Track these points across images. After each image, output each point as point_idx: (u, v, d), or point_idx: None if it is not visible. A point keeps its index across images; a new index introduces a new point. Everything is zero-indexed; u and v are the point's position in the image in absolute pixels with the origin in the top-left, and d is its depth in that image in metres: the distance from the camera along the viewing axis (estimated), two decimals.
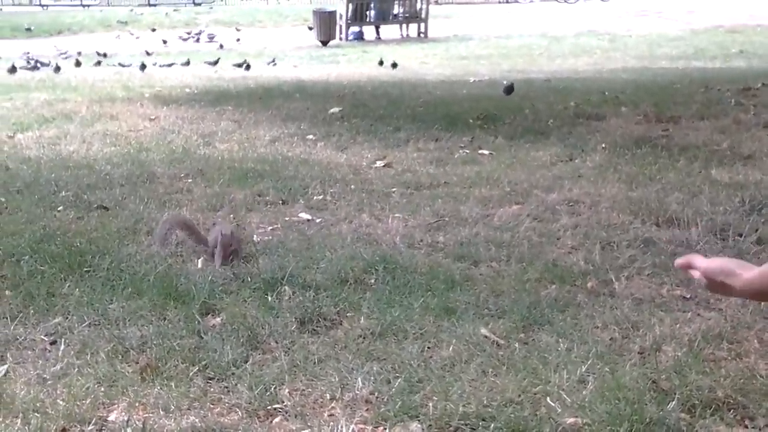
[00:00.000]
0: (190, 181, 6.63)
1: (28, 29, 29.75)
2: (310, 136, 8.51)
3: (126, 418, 3.05)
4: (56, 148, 8.07)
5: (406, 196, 6.14)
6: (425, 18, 28.12)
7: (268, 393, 3.23)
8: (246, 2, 41.07)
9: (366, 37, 27.52)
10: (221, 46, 24.25)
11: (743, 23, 27.30)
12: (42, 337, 3.79)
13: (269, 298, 4.14)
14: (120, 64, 18.28)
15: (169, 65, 18.28)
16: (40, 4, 39.76)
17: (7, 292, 4.26)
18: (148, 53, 21.22)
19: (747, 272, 2.01)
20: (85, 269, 4.54)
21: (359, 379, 3.30)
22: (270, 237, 5.23)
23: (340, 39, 26.53)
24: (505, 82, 12.31)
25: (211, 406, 3.18)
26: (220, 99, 11.41)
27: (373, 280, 4.39)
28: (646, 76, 14.13)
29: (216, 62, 18.26)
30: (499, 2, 40.88)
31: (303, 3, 38.28)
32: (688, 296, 4.19)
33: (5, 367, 3.49)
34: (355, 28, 27.34)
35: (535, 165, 7.08)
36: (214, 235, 4.74)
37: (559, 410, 3.06)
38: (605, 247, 4.89)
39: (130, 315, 3.97)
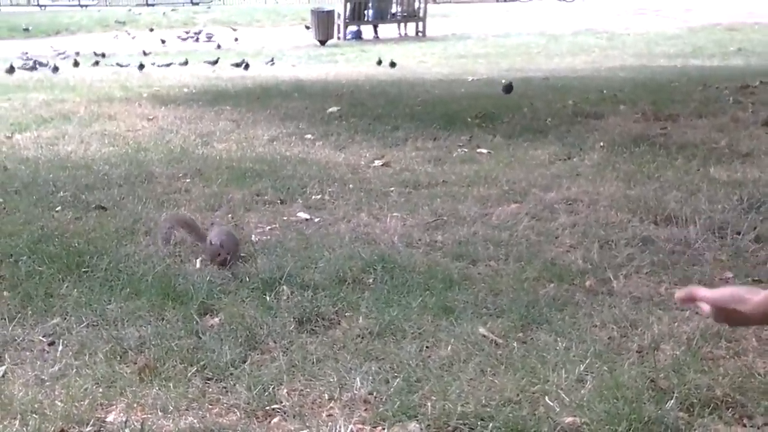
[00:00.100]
0: (188, 180, 6.63)
1: (26, 29, 29.74)
2: (309, 136, 8.50)
3: (124, 419, 3.05)
4: (54, 148, 8.06)
5: (405, 196, 6.14)
6: (423, 17, 28.12)
7: (267, 393, 3.23)
8: (244, 2, 41.01)
9: (364, 36, 27.52)
10: (219, 46, 24.25)
11: (741, 21, 27.31)
12: (40, 337, 3.78)
13: (267, 298, 4.14)
14: (118, 64, 18.28)
15: (168, 65, 18.27)
16: (38, 4, 39.72)
17: (5, 293, 4.25)
18: (146, 53, 21.19)
19: (756, 296, 1.98)
20: (84, 270, 4.53)
21: (358, 378, 3.30)
22: (268, 237, 5.22)
23: (339, 38, 26.53)
24: (503, 81, 12.31)
25: (210, 406, 3.18)
26: (218, 99, 11.41)
27: (371, 280, 4.39)
28: (645, 75, 14.13)
29: (216, 62, 18.27)
30: (497, 1, 40.87)
31: (301, 2, 38.23)
32: None
33: (3, 368, 3.49)
34: (353, 28, 27.35)
35: (534, 164, 7.08)
36: (208, 239, 4.73)
37: (558, 409, 3.06)
38: (603, 246, 4.89)
39: (128, 315, 3.97)
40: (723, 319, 2.06)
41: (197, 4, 40.39)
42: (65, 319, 3.95)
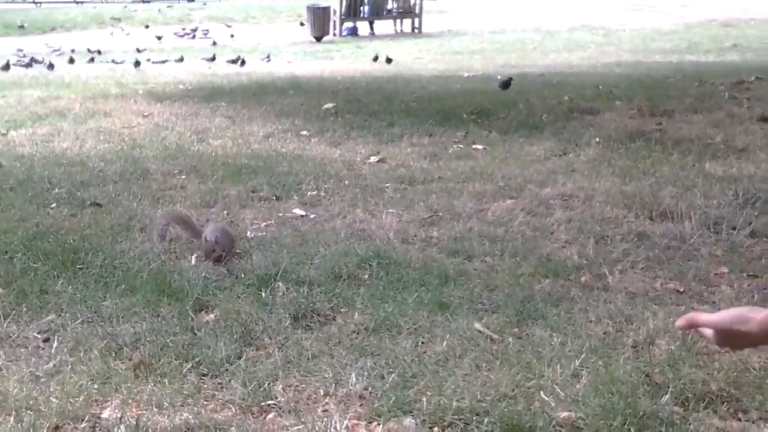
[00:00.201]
0: (183, 177, 6.62)
1: (21, 26, 29.70)
2: (304, 132, 8.50)
3: (119, 415, 3.04)
4: (49, 145, 8.05)
5: (400, 192, 6.13)
6: (419, 13, 28.13)
7: (262, 389, 3.23)
8: None
9: (360, 32, 27.53)
10: (215, 43, 24.24)
11: (737, 17, 27.34)
12: (35, 334, 3.78)
13: (263, 294, 4.13)
14: (113, 61, 18.25)
15: (163, 62, 18.26)
16: (33, 1, 39.70)
17: (0, 290, 4.25)
18: (141, 50, 21.18)
19: (759, 314, 1.95)
20: (79, 266, 4.53)
21: (353, 374, 3.30)
22: (264, 233, 5.22)
23: (334, 35, 26.53)
24: (499, 77, 12.31)
25: (205, 402, 3.17)
26: (213, 95, 11.40)
27: (366, 276, 4.39)
28: (640, 71, 14.14)
29: (213, 58, 18.26)
30: None
31: None
32: (682, 290, 4.19)
33: None
34: (348, 24, 27.35)
35: (529, 159, 7.08)
36: (203, 235, 4.72)
37: (553, 404, 3.06)
38: (599, 241, 4.89)
39: (123, 312, 3.96)
40: (727, 342, 2.03)
41: (193, 0, 40.34)
42: (60, 315, 3.94)
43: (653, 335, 3.63)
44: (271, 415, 3.08)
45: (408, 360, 3.43)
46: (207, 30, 27.67)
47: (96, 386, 3.26)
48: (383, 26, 28.21)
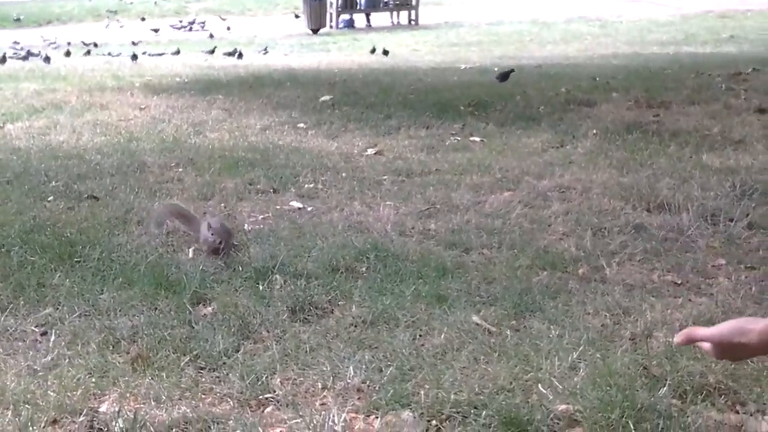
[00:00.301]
0: (180, 170, 6.61)
1: (17, 19, 29.62)
2: (301, 125, 8.49)
3: (117, 409, 3.04)
4: (46, 138, 8.03)
5: (398, 184, 6.13)
6: (416, 5, 28.06)
7: (260, 382, 3.23)
8: None
9: (357, 24, 27.47)
10: (212, 35, 24.16)
11: (733, 8, 27.31)
12: (32, 328, 3.77)
13: (260, 287, 4.13)
14: (110, 54, 18.21)
15: (160, 54, 18.21)
16: None
17: None
18: (136, 43, 21.12)
19: (758, 325, 1.94)
20: (76, 259, 4.52)
21: (351, 367, 3.30)
22: (261, 226, 5.21)
23: (331, 27, 26.48)
24: (496, 69, 12.30)
25: (203, 396, 3.17)
26: (210, 88, 11.37)
27: (364, 269, 4.39)
28: (637, 62, 14.13)
29: (213, 51, 18.22)
30: None
31: None
32: (679, 282, 4.20)
33: None
34: (345, 16, 27.29)
35: (526, 151, 7.07)
36: (201, 229, 4.70)
37: (551, 397, 3.06)
38: (596, 233, 4.90)
39: (120, 305, 3.96)
40: (725, 354, 2.02)
41: None
42: (57, 308, 3.94)
43: (651, 327, 3.64)
44: (269, 409, 3.08)
45: (406, 353, 3.43)
46: (204, 22, 27.60)
47: (94, 380, 3.26)
48: (380, 18, 28.17)
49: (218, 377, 3.31)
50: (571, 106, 9.24)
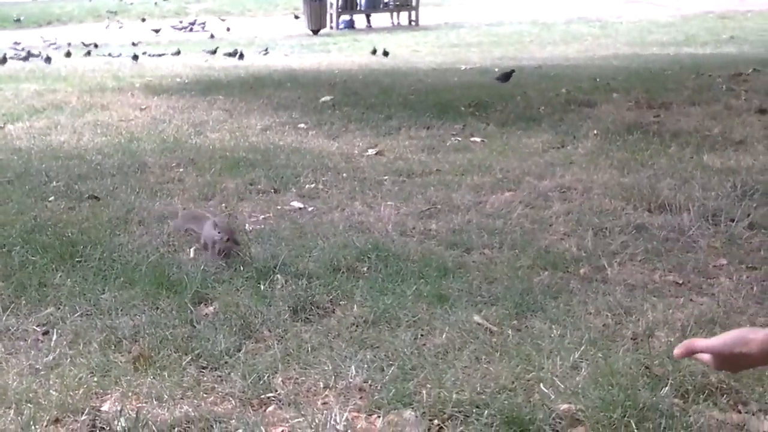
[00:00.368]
0: (181, 170, 6.61)
1: (17, 20, 29.62)
2: (302, 125, 8.49)
3: (119, 408, 3.04)
4: (47, 138, 8.04)
5: (398, 184, 6.13)
6: (416, 6, 28.05)
7: (262, 382, 3.23)
8: None
9: (357, 25, 27.47)
10: (212, 36, 24.16)
11: (734, 9, 27.31)
12: (34, 327, 3.78)
13: (262, 287, 4.13)
14: (110, 54, 18.21)
15: (160, 55, 18.21)
16: None
17: None
18: (136, 43, 21.11)
19: (758, 334, 1.92)
20: (77, 259, 4.52)
21: (352, 367, 3.30)
22: (262, 226, 5.22)
23: (331, 28, 26.47)
24: (497, 70, 12.31)
25: (205, 395, 3.17)
26: (211, 88, 11.37)
27: (365, 268, 4.39)
28: (637, 63, 14.13)
29: (215, 51, 18.22)
30: None
31: None
32: (681, 282, 4.20)
33: None
34: (345, 17, 27.29)
35: (527, 152, 7.07)
36: (206, 227, 4.65)
37: (553, 396, 3.06)
38: (598, 234, 4.90)
39: (122, 305, 3.96)
40: (727, 365, 2.01)
41: None
42: (59, 308, 3.94)
43: (652, 327, 3.64)
44: (270, 408, 3.08)
45: (407, 352, 3.43)
46: (204, 23, 27.60)
47: (96, 379, 3.26)
48: (380, 19, 28.16)
49: (220, 376, 3.31)
50: (572, 106, 9.24)
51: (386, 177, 6.31)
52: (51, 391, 3.16)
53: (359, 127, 8.33)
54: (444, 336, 3.58)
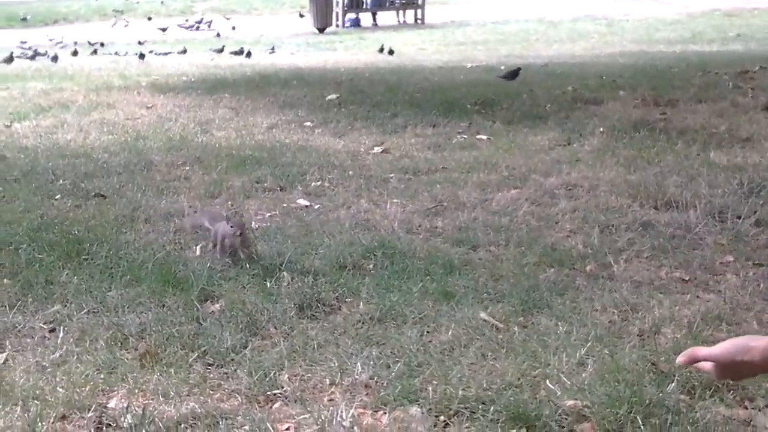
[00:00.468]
0: (187, 168, 6.62)
1: (24, 18, 29.69)
2: (308, 123, 8.49)
3: (126, 405, 3.05)
4: (53, 137, 8.05)
5: (404, 182, 6.13)
6: (422, 4, 28.06)
7: (268, 378, 3.23)
8: None
9: (363, 23, 27.48)
10: (218, 35, 24.20)
11: (740, 6, 27.27)
12: (41, 324, 3.78)
13: (268, 284, 4.13)
14: (116, 53, 18.25)
15: (166, 54, 18.24)
16: None
17: (5, 281, 4.25)
18: (143, 42, 21.15)
19: (761, 342, 1.91)
20: (84, 257, 4.53)
21: (359, 363, 3.30)
22: (268, 223, 5.22)
23: (337, 26, 26.49)
24: (503, 68, 12.30)
25: (211, 392, 3.18)
26: (217, 87, 11.39)
27: (371, 266, 4.39)
28: (644, 60, 14.11)
29: (221, 50, 18.25)
30: None
31: None
32: (687, 278, 4.19)
33: (4, 355, 3.49)
34: (351, 15, 27.31)
35: (533, 149, 7.07)
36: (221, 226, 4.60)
37: (559, 393, 3.06)
38: (604, 231, 4.89)
39: (128, 302, 3.96)
40: (729, 374, 1.99)
41: None
42: (66, 306, 3.95)
43: (659, 324, 3.63)
44: (277, 405, 3.09)
45: (413, 349, 3.43)
46: (210, 21, 27.65)
47: (102, 376, 3.27)
48: (386, 17, 28.17)
49: (226, 373, 3.31)
50: (578, 104, 9.23)
51: (392, 175, 6.31)
52: (58, 388, 3.16)
53: (365, 125, 8.33)
54: (450, 333, 3.58)
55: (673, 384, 3.07)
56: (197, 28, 27.08)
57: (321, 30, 25.31)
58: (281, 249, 4.60)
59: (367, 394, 3.13)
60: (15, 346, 3.59)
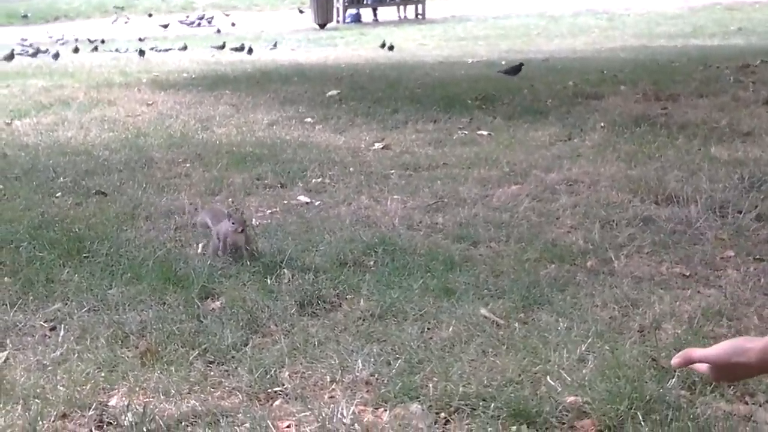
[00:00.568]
0: (188, 165, 6.62)
1: (25, 16, 29.69)
2: (309, 119, 8.49)
3: (126, 403, 3.05)
4: (54, 134, 8.05)
5: (405, 178, 6.13)
6: None
7: (269, 376, 3.23)
8: None
9: (363, 19, 27.47)
10: (219, 31, 24.20)
11: (741, 0, 27.22)
12: (41, 323, 3.78)
13: (269, 282, 4.13)
14: (117, 50, 18.24)
15: (167, 50, 18.24)
16: None
17: (6, 279, 4.25)
18: (143, 39, 21.14)
19: (756, 343, 1.88)
20: (84, 255, 4.53)
21: (359, 360, 3.30)
22: (269, 220, 5.22)
23: (338, 22, 26.49)
24: (503, 63, 12.29)
25: (212, 389, 3.17)
26: (217, 83, 11.39)
27: (372, 262, 4.39)
28: (645, 55, 14.10)
29: (222, 46, 18.24)
30: None
31: None
32: (688, 274, 4.18)
33: (5, 353, 3.49)
34: (352, 11, 27.29)
35: (534, 145, 7.06)
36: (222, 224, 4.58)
37: (559, 389, 3.06)
38: (604, 226, 4.88)
39: (129, 300, 3.96)
40: (724, 375, 1.97)
41: None
42: (66, 304, 3.95)
43: (659, 319, 3.63)
44: (277, 402, 3.09)
45: (414, 346, 3.43)
46: (211, 17, 27.65)
47: (103, 374, 3.27)
48: (387, 13, 28.14)
49: (227, 371, 3.31)
50: (579, 99, 9.23)
51: (393, 171, 6.30)
52: (58, 386, 3.16)
53: (366, 121, 8.33)
54: (451, 329, 3.58)
55: (674, 380, 3.07)
56: (198, 24, 27.09)
57: (322, 26, 25.30)
58: (282, 246, 4.60)
59: (367, 391, 3.13)
60: (16, 344, 3.59)
